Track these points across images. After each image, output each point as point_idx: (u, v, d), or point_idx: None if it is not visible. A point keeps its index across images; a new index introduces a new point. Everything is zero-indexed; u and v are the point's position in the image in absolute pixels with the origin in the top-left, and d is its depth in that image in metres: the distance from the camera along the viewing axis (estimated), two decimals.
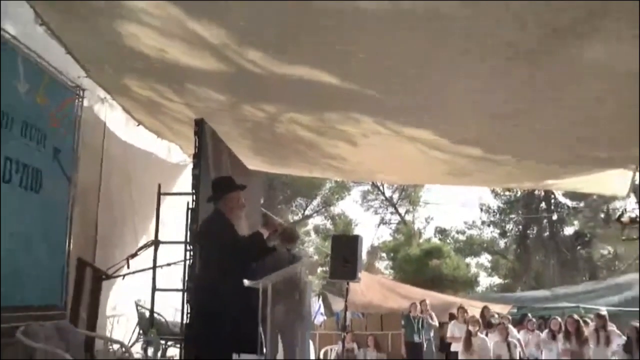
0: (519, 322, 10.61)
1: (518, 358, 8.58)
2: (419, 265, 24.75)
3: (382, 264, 29.73)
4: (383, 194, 30.90)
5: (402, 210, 31.24)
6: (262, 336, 3.99)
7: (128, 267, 6.15)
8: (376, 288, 14.31)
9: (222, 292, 3.92)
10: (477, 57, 4.21)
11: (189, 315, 4.60)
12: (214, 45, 4.49)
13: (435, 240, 29.13)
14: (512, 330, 9.21)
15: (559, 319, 9.37)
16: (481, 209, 28.92)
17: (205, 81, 5.39)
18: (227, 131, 6.35)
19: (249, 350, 4.01)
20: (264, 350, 3.98)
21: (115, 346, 4.82)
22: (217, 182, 4.42)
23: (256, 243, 4.09)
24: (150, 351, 2.79)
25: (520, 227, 28.53)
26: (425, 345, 10.96)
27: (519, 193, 27.53)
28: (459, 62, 4.34)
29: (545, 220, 27.39)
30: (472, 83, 4.77)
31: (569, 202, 26.82)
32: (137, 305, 6.74)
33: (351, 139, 6.56)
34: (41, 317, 4.74)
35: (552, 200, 27.20)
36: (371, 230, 31.06)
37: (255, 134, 6.85)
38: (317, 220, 30.93)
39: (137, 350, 4.95)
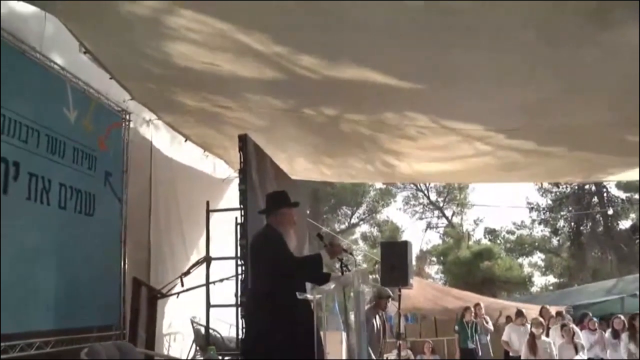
0: (580, 321, 10.24)
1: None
2: (470, 267, 24.30)
3: (433, 269, 29.33)
4: (428, 197, 30.54)
5: (448, 212, 30.81)
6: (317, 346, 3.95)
7: (182, 285, 6.23)
8: (427, 293, 14.09)
9: (275, 305, 3.91)
10: (530, 44, 4.14)
11: (244, 329, 4.59)
12: (264, 54, 4.55)
13: (485, 242, 28.56)
14: (578, 331, 8.90)
15: (622, 318, 9.01)
16: (530, 209, 28.22)
17: (260, 89, 5.45)
18: (278, 138, 6.38)
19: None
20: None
21: None
22: (272, 196, 4.42)
23: (313, 264, 4.06)
24: None
25: (573, 223, 27.65)
26: (480, 351, 10.71)
27: (568, 189, 26.76)
28: (508, 51, 4.27)
29: (598, 215, 26.48)
30: (521, 72, 4.69)
31: (622, 195, 25.87)
32: (192, 322, 6.81)
33: (407, 135, 6.53)
34: (101, 338, 4.86)
35: (605, 194, 26.29)
36: (418, 235, 30.72)
37: (319, 135, 6.89)
38: (364, 228, 30.77)
39: None
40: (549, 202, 28.06)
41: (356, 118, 6.17)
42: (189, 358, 6.38)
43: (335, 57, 4.65)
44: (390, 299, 6.96)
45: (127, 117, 6.00)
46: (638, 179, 8.48)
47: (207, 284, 6.13)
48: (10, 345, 3.93)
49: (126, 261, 5.74)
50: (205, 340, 6.23)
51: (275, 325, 3.87)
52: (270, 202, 4.32)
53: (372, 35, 4.23)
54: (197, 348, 6.65)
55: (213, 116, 6.28)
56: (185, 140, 7.17)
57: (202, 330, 6.51)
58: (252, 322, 4.20)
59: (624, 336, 8.49)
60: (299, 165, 7.80)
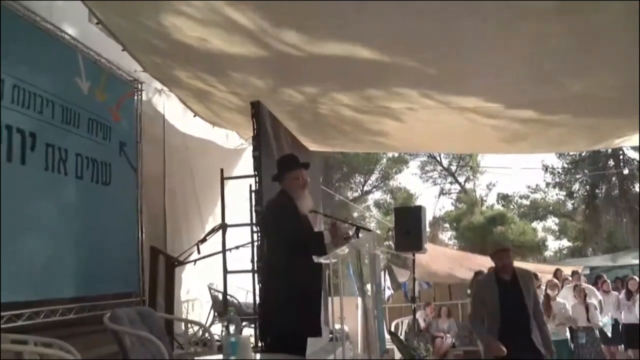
0: (594, 283, 10.26)
1: (597, 320, 8.31)
2: (483, 233, 24.34)
3: (446, 235, 29.42)
4: (440, 164, 30.43)
5: (461, 179, 30.71)
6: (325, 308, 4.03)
7: (199, 252, 6.31)
8: (441, 258, 14.17)
9: (289, 270, 3.97)
10: (520, 15, 4.07)
11: (260, 295, 4.66)
12: (251, 31, 4.50)
13: (499, 207, 28.51)
14: (594, 291, 8.90)
15: (637, 279, 8.99)
16: (545, 170, 28.01)
17: (246, 67, 5.41)
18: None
19: (314, 326, 4.04)
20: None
21: (195, 328, 4.98)
22: (281, 160, 4.41)
23: (315, 241, 4.07)
24: (232, 328, 2.87)
25: (588, 187, 27.45)
26: None
27: (585, 152, 26.49)
28: (504, 21, 4.19)
29: (614, 178, 26.24)
30: (519, 42, 4.61)
31: (638, 157, 25.58)
32: (210, 288, 6.92)
33: (397, 115, 6.45)
34: (121, 305, 4.96)
35: (621, 157, 26.01)
36: (432, 201, 30.77)
37: (298, 117, 6.83)
38: (377, 195, 30.82)
39: (214, 331, 5.09)
40: (565, 164, 27.85)
41: (342, 98, 6.08)
42: (207, 323, 6.50)
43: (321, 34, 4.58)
44: None
45: (139, 86, 6.00)
46: None
47: (224, 250, 6.21)
48: (35, 311, 4.03)
49: (143, 230, 5.81)
50: (223, 306, 6.35)
51: (288, 289, 3.93)
52: (278, 167, 4.32)
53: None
54: (216, 314, 6.78)
55: (209, 94, 6.27)
56: (194, 116, 7.19)
57: (220, 296, 6.63)
58: (266, 286, 4.25)
59: (638, 297, 8.50)
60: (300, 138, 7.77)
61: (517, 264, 15.50)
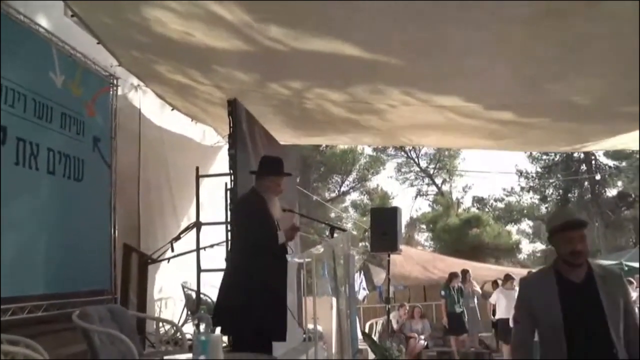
0: None
1: None
2: (459, 235, 24.63)
3: (422, 236, 29.67)
4: (418, 165, 30.68)
5: (438, 180, 30.99)
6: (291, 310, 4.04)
7: (172, 250, 6.27)
8: (416, 260, 14.32)
9: (251, 268, 3.97)
10: (503, 18, 4.12)
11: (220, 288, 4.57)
12: (235, 25, 4.47)
13: (474, 210, 28.85)
14: None
15: None
16: (519, 175, 28.46)
17: (230, 62, 5.39)
18: (257, 109, 6.35)
19: (278, 330, 4.05)
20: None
21: (167, 326, 4.94)
22: (267, 160, 4.39)
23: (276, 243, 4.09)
24: (202, 327, 2.85)
25: (561, 191, 27.96)
26: (467, 315, 10.96)
27: (558, 157, 26.95)
28: (485, 24, 4.24)
29: (586, 183, 26.76)
30: (501, 45, 4.67)
31: (610, 162, 26.12)
32: (183, 287, 6.88)
33: (379, 111, 6.50)
34: (92, 302, 4.89)
35: (593, 162, 26.53)
36: (409, 202, 30.99)
37: (284, 111, 6.83)
38: (354, 196, 30.98)
39: (187, 330, 5.06)
40: (538, 169, 28.32)
41: (326, 93, 6.09)
42: (180, 322, 6.45)
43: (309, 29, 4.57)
44: None
45: (115, 82, 5.93)
46: (624, 147, 8.52)
47: (198, 249, 6.18)
48: (2, 308, 3.95)
49: (116, 227, 5.74)
50: (196, 304, 6.31)
51: (247, 290, 3.93)
52: (262, 166, 4.32)
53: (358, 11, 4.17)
54: (189, 312, 6.74)
55: (191, 88, 6.22)
56: (172, 109, 7.13)
57: (193, 295, 6.59)
58: (227, 283, 4.20)
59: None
60: (279, 132, 7.75)
61: (492, 267, 15.66)
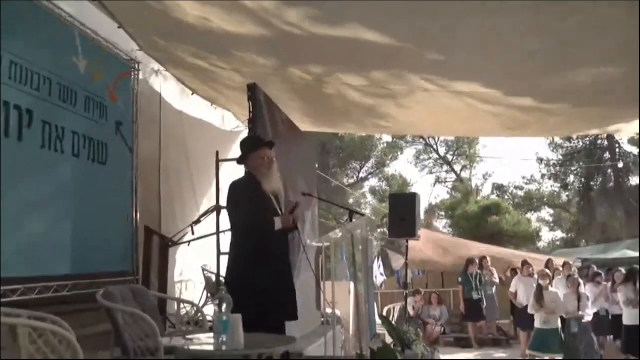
0: (586, 274, 10.37)
1: (586, 311, 8.41)
2: (478, 222, 24.47)
3: (441, 223, 29.54)
4: (437, 152, 30.48)
5: (457, 167, 30.79)
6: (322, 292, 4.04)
7: (193, 233, 6.35)
8: (435, 245, 14.27)
9: (247, 251, 4.02)
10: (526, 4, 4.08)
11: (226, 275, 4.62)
12: (253, 10, 4.49)
13: (494, 197, 28.63)
14: (582, 282, 9.00)
15: (623, 271, 9.06)
16: (540, 162, 28.13)
17: (250, 47, 5.41)
18: (276, 95, 6.37)
19: (287, 310, 4.09)
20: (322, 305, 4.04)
21: (187, 307, 5.02)
22: (243, 142, 4.41)
23: (266, 227, 4.06)
24: (224, 307, 2.91)
25: (583, 179, 27.56)
26: (485, 302, 10.94)
27: (580, 144, 26.56)
28: (505, 10, 4.20)
29: (609, 171, 26.34)
30: (521, 31, 4.63)
31: (635, 151, 25.67)
32: (203, 270, 6.96)
33: (398, 97, 6.48)
34: (115, 283, 4.99)
35: (617, 150, 26.08)
36: (427, 189, 30.84)
37: (303, 97, 6.85)
38: (373, 182, 30.93)
39: (207, 312, 5.14)
40: (560, 156, 27.96)
41: (345, 78, 6.09)
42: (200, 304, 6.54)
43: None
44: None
45: (137, 66, 5.99)
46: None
47: (218, 232, 6.24)
48: (29, 287, 4.06)
49: (138, 210, 5.84)
50: (216, 287, 6.39)
51: (247, 274, 3.96)
52: (242, 148, 4.32)
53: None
54: (209, 295, 6.83)
55: (211, 73, 6.25)
56: (192, 94, 7.19)
57: (213, 278, 6.67)
58: (230, 269, 4.24)
59: (621, 287, 8.54)
60: (298, 120, 7.77)
61: (511, 252, 15.56)
